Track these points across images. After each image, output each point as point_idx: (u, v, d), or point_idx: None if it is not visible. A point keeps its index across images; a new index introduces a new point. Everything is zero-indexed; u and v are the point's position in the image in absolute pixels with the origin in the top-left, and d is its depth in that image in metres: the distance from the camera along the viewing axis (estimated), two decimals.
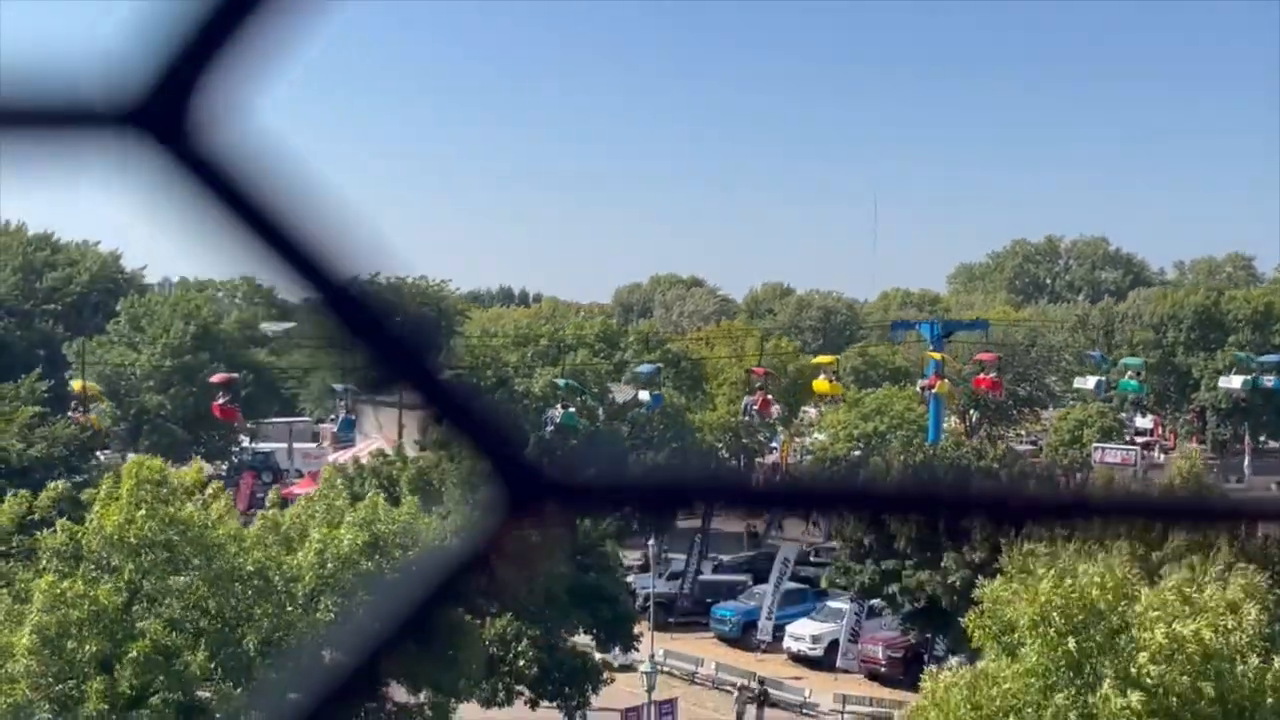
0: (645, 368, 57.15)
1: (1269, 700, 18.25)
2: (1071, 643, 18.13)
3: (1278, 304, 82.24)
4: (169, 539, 20.88)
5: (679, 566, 56.23)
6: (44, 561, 21.16)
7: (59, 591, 20.40)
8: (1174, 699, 17.97)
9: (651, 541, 45.99)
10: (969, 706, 18.25)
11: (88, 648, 20.29)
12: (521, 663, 33.88)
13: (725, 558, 62.47)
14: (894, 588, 40.06)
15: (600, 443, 40.71)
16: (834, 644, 48.96)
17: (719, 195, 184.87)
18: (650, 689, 35.73)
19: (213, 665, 20.95)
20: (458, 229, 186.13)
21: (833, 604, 53.92)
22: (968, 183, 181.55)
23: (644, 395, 54.90)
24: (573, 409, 50.48)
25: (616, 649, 40.85)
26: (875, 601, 49.27)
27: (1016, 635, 18.71)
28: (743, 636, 51.89)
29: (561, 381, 55.30)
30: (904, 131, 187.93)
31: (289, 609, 22.20)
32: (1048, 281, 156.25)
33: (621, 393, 61.16)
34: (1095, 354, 67.22)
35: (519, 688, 33.65)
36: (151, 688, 20.30)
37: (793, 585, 54.73)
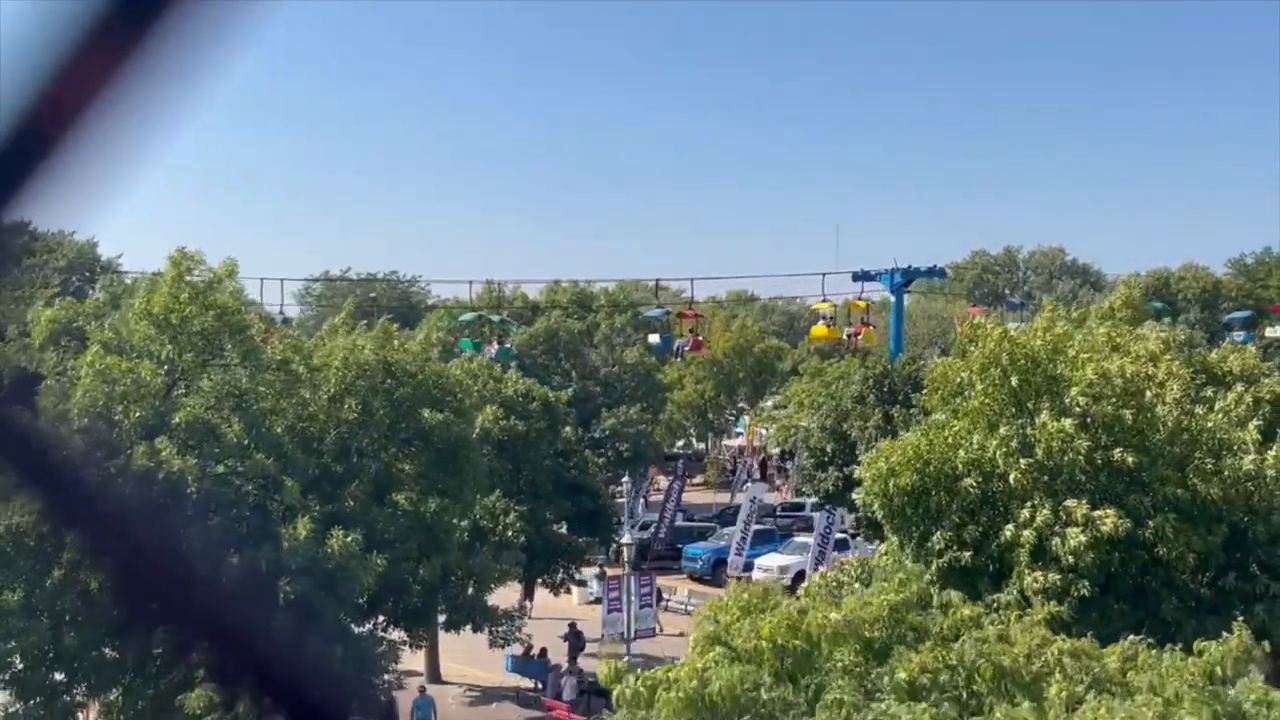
0: (655, 311, 59.94)
1: (1182, 428, 20.83)
2: (1015, 380, 20.65)
3: (1226, 283, 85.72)
4: (206, 323, 23.05)
5: (652, 518, 58.53)
6: (91, 351, 23.21)
7: (103, 367, 22.53)
8: (1099, 426, 20.51)
9: (625, 497, 48.23)
10: (926, 444, 20.67)
11: (133, 415, 22.39)
12: (510, 533, 35.96)
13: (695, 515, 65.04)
14: (856, 493, 42.40)
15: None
16: (801, 574, 50.89)
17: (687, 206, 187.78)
18: (631, 563, 37.88)
19: (246, 442, 23.06)
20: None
21: (799, 539, 56.30)
22: (927, 197, 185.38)
23: (654, 338, 57.54)
24: (509, 345, 53.01)
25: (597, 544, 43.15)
26: (841, 535, 51.70)
27: (963, 381, 21.21)
28: (714, 574, 54.09)
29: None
30: (866, 149, 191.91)
31: (313, 403, 24.39)
32: (1006, 291, 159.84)
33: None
34: None
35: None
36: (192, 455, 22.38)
37: (761, 527, 57.10)
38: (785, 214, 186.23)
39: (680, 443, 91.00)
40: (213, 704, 21.07)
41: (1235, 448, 21.42)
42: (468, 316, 57.94)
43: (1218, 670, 13.31)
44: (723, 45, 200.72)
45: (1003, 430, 20.64)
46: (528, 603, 50.65)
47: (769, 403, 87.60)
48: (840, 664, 14.08)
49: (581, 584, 44.69)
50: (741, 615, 14.96)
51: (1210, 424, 21.44)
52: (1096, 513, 19.76)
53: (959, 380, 21.52)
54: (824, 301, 58.23)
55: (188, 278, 23.08)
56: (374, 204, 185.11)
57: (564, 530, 41.30)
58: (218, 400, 23.57)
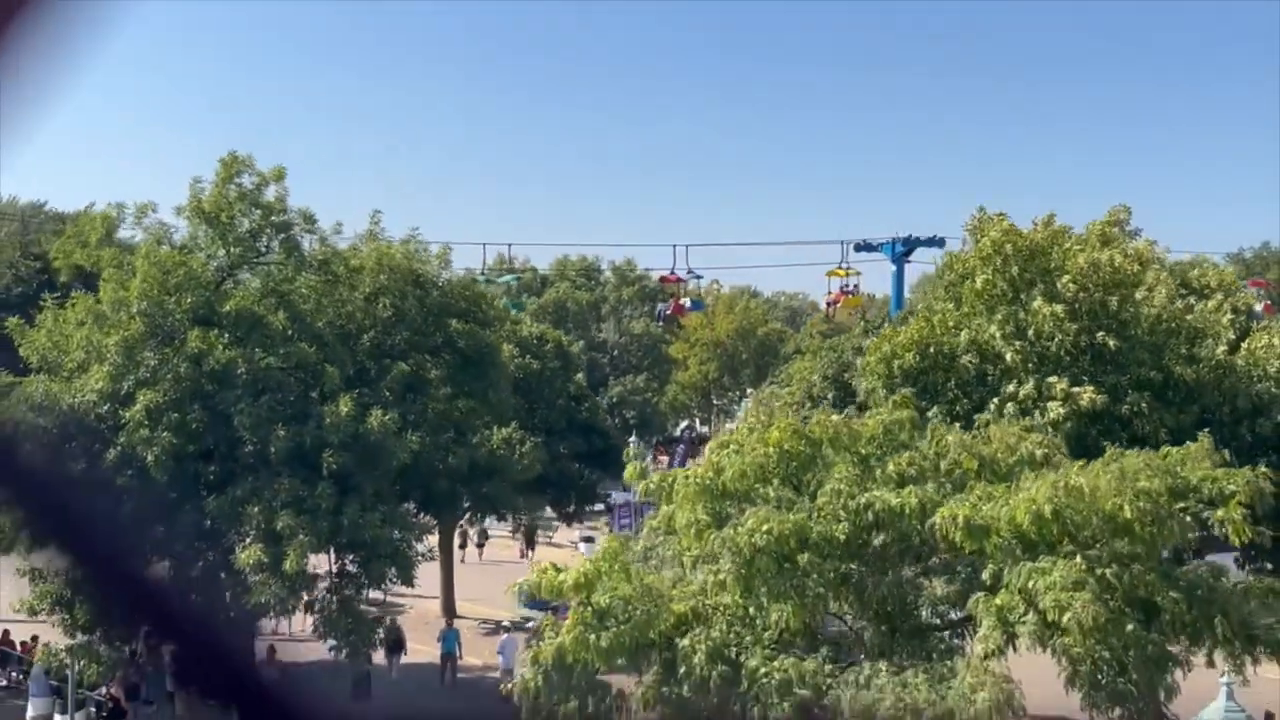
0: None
1: (1161, 318, 22.58)
2: (1015, 269, 22.41)
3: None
4: (254, 222, 24.83)
5: None
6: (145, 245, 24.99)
7: (157, 258, 24.33)
8: (1086, 313, 22.27)
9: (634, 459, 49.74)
10: (928, 329, 22.42)
11: (187, 300, 24.15)
12: (526, 462, 37.64)
13: None
14: (857, 375, 43.88)
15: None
16: None
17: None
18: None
19: (290, 333, 24.82)
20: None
21: None
22: (928, 171, 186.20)
23: (685, 302, 59.05)
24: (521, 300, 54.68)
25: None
26: None
27: (966, 268, 22.98)
28: None
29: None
30: (853, 157, 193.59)
31: (350, 302, 26.16)
32: None
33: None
34: None
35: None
36: (244, 343, 24.16)
37: None
38: (791, 187, 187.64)
39: (684, 424, 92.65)
40: (261, 563, 22.77)
41: (1210, 339, 23.17)
42: (506, 278, 59.31)
43: (1178, 467, 15.03)
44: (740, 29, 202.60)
45: (1000, 315, 22.39)
46: (529, 552, 52.41)
47: (770, 388, 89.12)
48: (839, 467, 15.79)
49: (588, 540, 46.35)
50: (750, 433, 16.70)
51: (1190, 318, 23.20)
52: (1076, 389, 21.49)
53: (963, 269, 23.25)
54: (843, 269, 58.99)
55: (236, 180, 24.81)
56: (387, 172, 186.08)
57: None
58: (263, 295, 25.33)
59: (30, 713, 29.40)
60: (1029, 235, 22.67)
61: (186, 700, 25.35)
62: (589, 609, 15.46)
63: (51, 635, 27.77)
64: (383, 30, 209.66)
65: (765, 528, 14.53)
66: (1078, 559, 13.21)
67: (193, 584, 23.51)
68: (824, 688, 14.65)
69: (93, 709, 28.16)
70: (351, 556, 24.64)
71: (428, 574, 40.01)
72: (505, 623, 34.78)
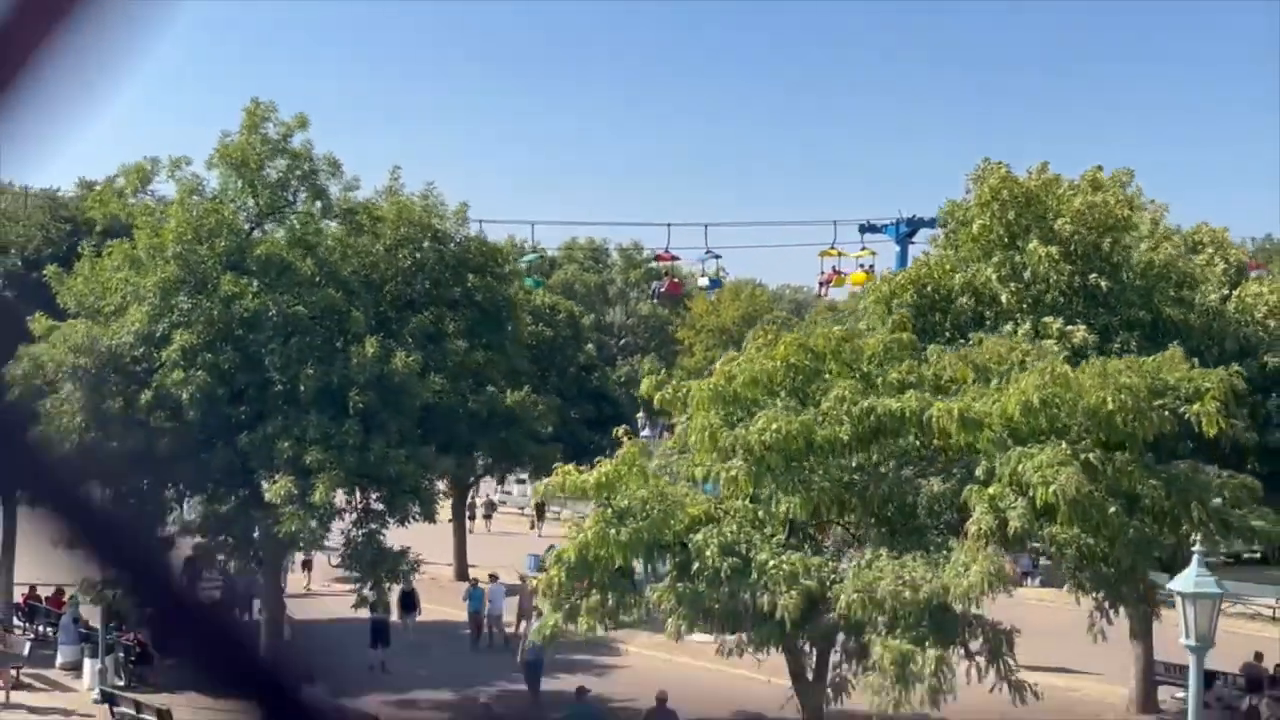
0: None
1: (1152, 262, 23.62)
2: (1011, 214, 23.47)
3: None
4: (279, 170, 25.95)
5: None
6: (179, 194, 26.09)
7: (191, 205, 25.46)
8: (1080, 256, 23.32)
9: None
10: (926, 271, 23.49)
11: (219, 245, 25.25)
12: (541, 409, 38.59)
13: None
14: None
15: None
16: None
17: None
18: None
19: (318, 279, 25.92)
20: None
21: None
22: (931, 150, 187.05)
23: (703, 281, 60.03)
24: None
25: None
26: None
27: (966, 216, 24.05)
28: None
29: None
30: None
31: (373, 251, 27.24)
32: None
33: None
34: None
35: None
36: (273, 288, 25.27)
37: None
38: (791, 171, 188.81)
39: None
40: (291, 495, 23.86)
41: (1202, 285, 24.23)
42: (530, 257, 60.37)
43: (1157, 371, 16.12)
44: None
45: (995, 258, 23.46)
46: (539, 525, 53.51)
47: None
48: (842, 380, 16.88)
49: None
50: (756, 351, 17.79)
51: (1181, 263, 24.26)
52: (1069, 327, 22.55)
53: (963, 216, 24.32)
54: (834, 249, 59.92)
55: (261, 130, 25.89)
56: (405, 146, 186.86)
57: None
58: (291, 244, 26.43)
59: (60, 659, 30.56)
60: (1024, 183, 23.74)
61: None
62: (609, 509, 16.56)
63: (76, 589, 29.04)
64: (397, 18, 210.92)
65: (774, 427, 15.63)
66: (1063, 445, 14.27)
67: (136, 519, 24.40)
68: (829, 580, 15.74)
69: (120, 654, 29.29)
70: (376, 494, 25.71)
71: (439, 541, 41.27)
72: (493, 574, 36.03)
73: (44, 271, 27.26)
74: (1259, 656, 26.67)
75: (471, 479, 44.01)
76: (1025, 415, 14.51)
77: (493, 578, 35.49)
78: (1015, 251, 23.41)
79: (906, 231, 60.49)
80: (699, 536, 16.19)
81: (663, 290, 60.47)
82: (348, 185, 27.11)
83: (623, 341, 70.20)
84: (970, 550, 14.20)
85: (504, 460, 29.88)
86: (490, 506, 59.60)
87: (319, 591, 39.63)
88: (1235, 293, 24.66)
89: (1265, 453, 22.99)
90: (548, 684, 27.14)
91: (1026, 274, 23.04)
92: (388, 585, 26.83)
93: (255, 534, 25.95)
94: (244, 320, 25.04)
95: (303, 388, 24.38)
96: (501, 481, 59.78)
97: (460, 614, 35.07)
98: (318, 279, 25.88)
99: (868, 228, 61.03)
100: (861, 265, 59.11)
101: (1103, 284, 22.94)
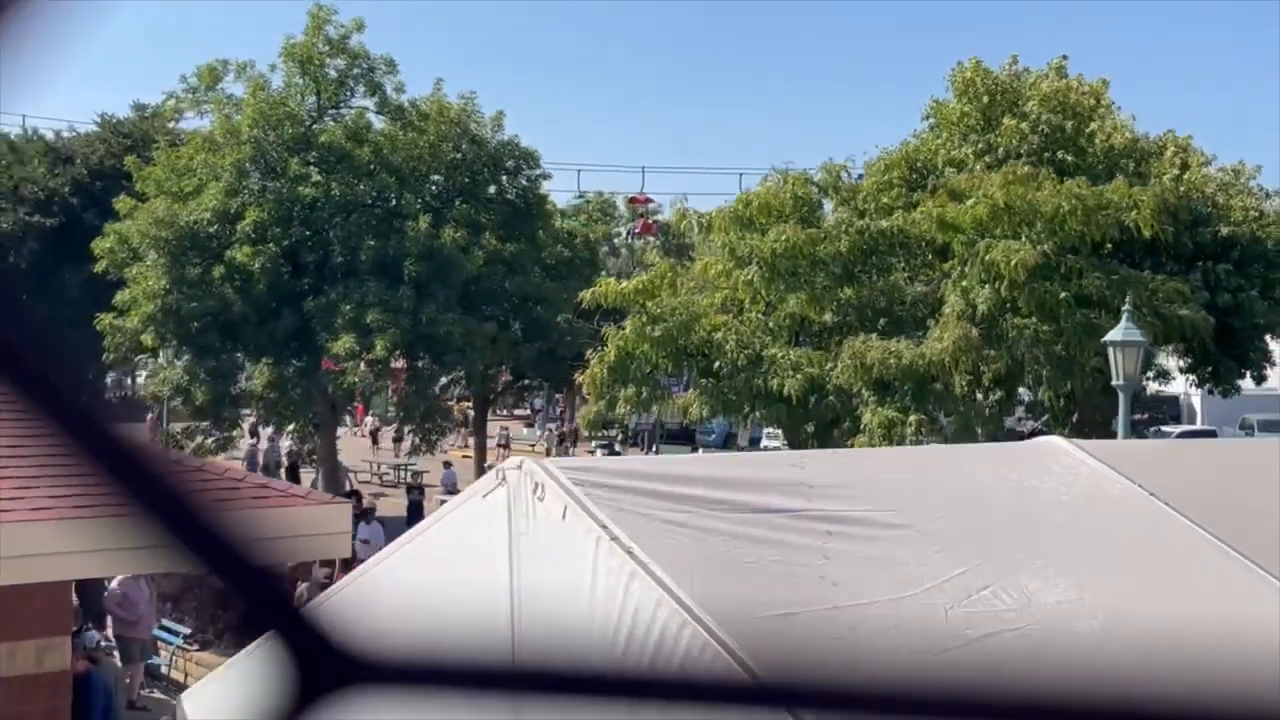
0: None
1: (1113, 144, 26.67)
2: (985, 99, 26.51)
3: None
4: (341, 71, 29.04)
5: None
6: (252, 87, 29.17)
7: (261, 96, 28.57)
8: (1047, 135, 26.39)
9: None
10: (914, 149, 26.56)
11: (287, 132, 28.37)
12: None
13: None
14: None
15: None
16: None
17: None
18: None
19: (373, 166, 29.05)
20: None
21: None
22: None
23: (653, 222, 63.27)
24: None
25: None
26: None
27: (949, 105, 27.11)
28: (724, 447, 59.82)
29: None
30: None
31: (421, 144, 30.34)
32: None
33: None
34: None
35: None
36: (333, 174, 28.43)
37: None
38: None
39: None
40: (353, 351, 26.98)
41: (1159, 162, 27.28)
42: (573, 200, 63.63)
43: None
44: None
45: (973, 139, 26.53)
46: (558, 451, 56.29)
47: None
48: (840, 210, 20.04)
49: (609, 449, 50.53)
50: (766, 191, 20.91)
51: (1140, 144, 27.31)
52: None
53: (942, 112, 27.35)
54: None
55: (323, 31, 28.95)
56: None
57: None
58: (347, 135, 29.52)
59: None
60: (997, 75, 26.76)
61: None
62: (645, 315, 19.72)
63: None
64: None
65: (784, 238, 18.78)
66: (1024, 239, 17.43)
67: None
68: (827, 368, 18.92)
69: None
70: (425, 358, 28.87)
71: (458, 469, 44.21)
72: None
73: (124, 161, 30.30)
74: None
75: (493, 394, 46.87)
76: (993, 218, 17.61)
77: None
78: (991, 134, 26.41)
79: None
80: (719, 334, 19.36)
81: (637, 231, 64.43)
82: (397, 86, 30.18)
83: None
84: (944, 325, 17.34)
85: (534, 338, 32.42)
86: (505, 438, 62.55)
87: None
88: (1185, 175, 27.70)
89: (1214, 311, 26.06)
90: None
91: (1001, 150, 26.03)
92: (435, 439, 30.03)
93: (313, 397, 29.09)
94: (309, 201, 28.14)
95: (363, 257, 27.50)
96: (518, 404, 62.83)
97: None
98: (373, 166, 28.99)
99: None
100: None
101: (1069, 159, 25.93)
